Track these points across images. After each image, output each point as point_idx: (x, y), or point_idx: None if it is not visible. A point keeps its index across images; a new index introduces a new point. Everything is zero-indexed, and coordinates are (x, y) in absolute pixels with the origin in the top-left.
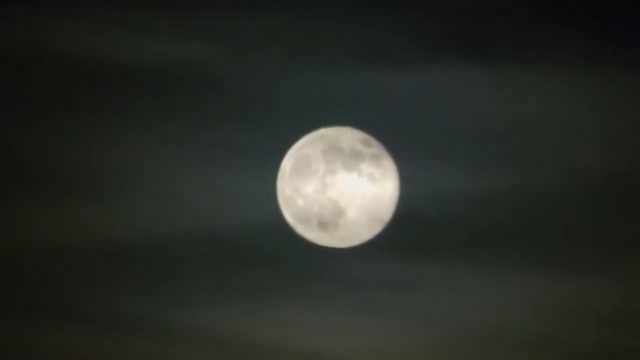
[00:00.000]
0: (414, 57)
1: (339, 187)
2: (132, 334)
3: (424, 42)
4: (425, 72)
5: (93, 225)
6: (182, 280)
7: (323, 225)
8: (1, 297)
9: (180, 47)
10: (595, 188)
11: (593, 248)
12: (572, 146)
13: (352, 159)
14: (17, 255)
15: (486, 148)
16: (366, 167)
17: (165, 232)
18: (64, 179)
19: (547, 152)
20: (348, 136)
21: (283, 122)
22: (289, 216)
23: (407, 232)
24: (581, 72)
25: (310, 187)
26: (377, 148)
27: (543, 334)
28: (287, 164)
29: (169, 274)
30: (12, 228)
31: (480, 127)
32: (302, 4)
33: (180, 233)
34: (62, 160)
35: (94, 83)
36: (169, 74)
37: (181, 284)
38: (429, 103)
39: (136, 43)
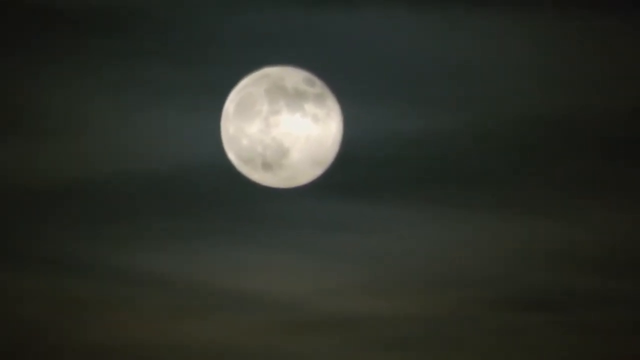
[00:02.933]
0: None
1: (282, 127)
2: (72, 275)
3: None
4: (370, 12)
5: (34, 166)
6: (123, 221)
7: (267, 165)
8: None
9: None
10: (539, 127)
11: (536, 187)
12: (515, 86)
13: (296, 99)
14: None
15: (429, 88)
16: (310, 107)
17: (106, 173)
18: (6, 118)
19: (490, 93)
20: (291, 75)
21: (226, 61)
22: (232, 156)
23: (349, 173)
24: (525, 13)
25: (253, 127)
26: (320, 87)
27: (483, 273)
28: (231, 103)
29: (110, 215)
30: None
31: (423, 67)
32: None
33: (122, 174)
34: (4, 101)
35: (37, 24)
36: (110, 14)
37: (122, 225)
38: (373, 43)
39: None
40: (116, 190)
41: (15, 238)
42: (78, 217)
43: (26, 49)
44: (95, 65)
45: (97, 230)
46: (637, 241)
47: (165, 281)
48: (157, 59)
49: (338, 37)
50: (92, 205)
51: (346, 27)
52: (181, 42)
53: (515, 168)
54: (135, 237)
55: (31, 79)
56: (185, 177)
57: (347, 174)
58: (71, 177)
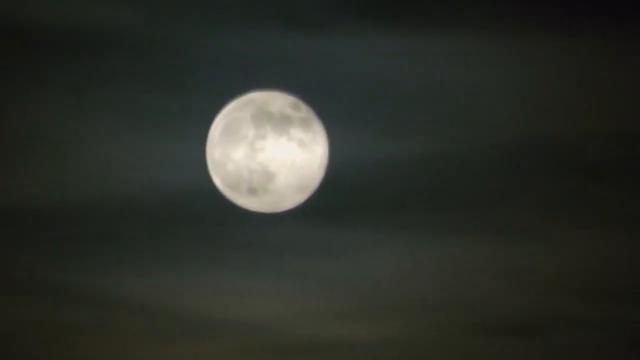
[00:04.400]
0: (337, 20)
1: (268, 152)
2: (51, 299)
3: (348, 6)
4: (356, 36)
5: (14, 189)
6: (105, 246)
7: (252, 190)
8: None
9: (103, 11)
10: (521, 151)
11: (511, 210)
12: (496, 110)
13: (282, 123)
14: None
15: (414, 112)
16: (296, 132)
17: (89, 197)
18: None
19: (473, 117)
20: (277, 100)
21: (210, 86)
22: (218, 181)
23: (333, 197)
24: (505, 36)
25: (239, 152)
26: (306, 112)
27: (465, 297)
28: (216, 128)
29: (93, 240)
30: None
31: (409, 92)
32: None
33: (105, 198)
34: None
35: (15, 46)
36: (95, 38)
37: (104, 250)
38: (359, 67)
39: (62, 6)
40: (99, 214)
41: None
42: (60, 240)
43: (5, 71)
44: (79, 88)
45: (79, 255)
46: (619, 265)
47: (147, 307)
48: (142, 84)
49: (324, 62)
50: (74, 229)
51: (332, 52)
52: (166, 66)
53: (498, 192)
54: (117, 262)
55: (12, 102)
56: (170, 202)
57: (330, 198)
58: (53, 200)
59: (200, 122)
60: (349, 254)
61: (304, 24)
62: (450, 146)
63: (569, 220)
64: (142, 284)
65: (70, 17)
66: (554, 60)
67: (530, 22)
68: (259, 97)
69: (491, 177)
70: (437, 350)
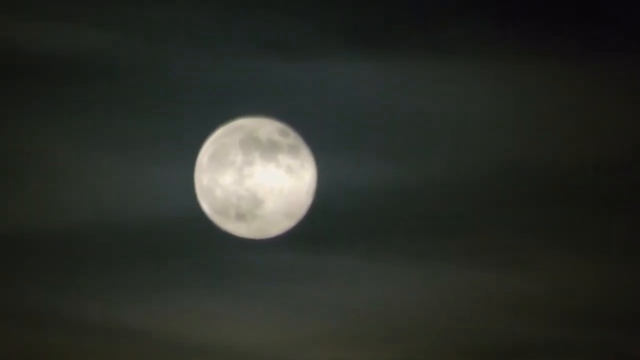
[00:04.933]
0: (323, 47)
1: (256, 178)
2: (41, 326)
3: (332, 32)
4: (343, 62)
5: (3, 215)
6: (92, 272)
7: (240, 216)
8: None
9: (89, 37)
10: (500, 176)
11: (498, 238)
12: (478, 136)
13: (270, 150)
14: None
15: (396, 138)
16: (284, 158)
17: (77, 223)
18: None
19: (464, 143)
20: (265, 126)
21: (198, 112)
22: (206, 207)
23: (320, 223)
24: (485, 62)
25: (227, 178)
26: (294, 138)
27: (449, 323)
28: (204, 154)
29: (80, 266)
30: None
31: (394, 118)
32: None
33: (93, 224)
34: None
35: (3, 72)
36: (78, 64)
37: (92, 276)
38: (347, 94)
39: (46, 32)
40: (87, 240)
41: None
42: (49, 267)
43: None
44: (68, 114)
45: (67, 281)
46: (604, 290)
47: (134, 332)
48: (130, 110)
49: (311, 88)
50: (63, 256)
51: (319, 78)
52: (153, 93)
53: (484, 217)
54: (105, 288)
55: (2, 127)
56: (158, 228)
57: (318, 224)
58: (41, 227)
59: (188, 148)
60: (337, 280)
61: (290, 50)
62: (437, 171)
63: (556, 245)
64: (129, 310)
65: (56, 43)
66: (541, 86)
67: (519, 48)
68: (247, 124)
69: (478, 202)
70: None
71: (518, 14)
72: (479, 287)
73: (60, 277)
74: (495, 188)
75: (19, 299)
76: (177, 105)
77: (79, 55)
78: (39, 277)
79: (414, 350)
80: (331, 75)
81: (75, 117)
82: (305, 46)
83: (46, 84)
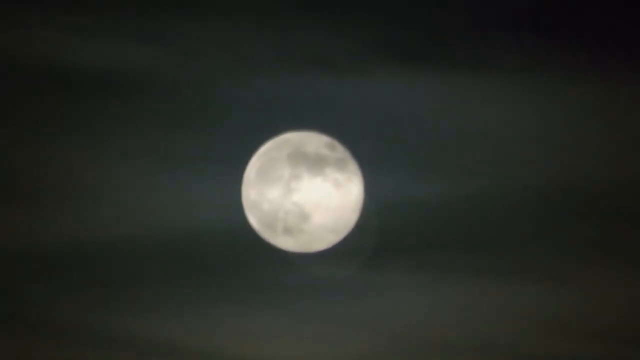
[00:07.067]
0: (370, 63)
1: (303, 192)
2: (82, 341)
3: (376, 48)
4: (390, 77)
5: (46, 232)
6: (141, 288)
7: (287, 230)
8: None
9: (133, 52)
10: (543, 193)
11: (538, 254)
12: (522, 153)
13: (317, 164)
14: None
15: (442, 155)
16: (331, 171)
17: (125, 238)
18: (16, 184)
19: (494, 161)
20: (312, 140)
21: (245, 128)
22: (254, 221)
23: (366, 239)
24: (529, 79)
25: (275, 192)
26: (342, 152)
27: (490, 340)
28: (252, 168)
29: (129, 280)
30: None
31: (439, 134)
32: (252, 9)
33: (142, 239)
34: (17, 170)
35: (45, 88)
36: (127, 79)
37: (138, 291)
38: (394, 109)
39: (87, 49)
40: (134, 255)
41: (24, 303)
42: (94, 282)
43: (37, 113)
44: (113, 131)
45: (113, 296)
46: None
47: (180, 347)
48: (179, 126)
49: (358, 103)
50: (109, 270)
51: (367, 93)
52: (202, 109)
53: (527, 235)
54: (151, 303)
55: (42, 147)
56: (206, 242)
57: (363, 239)
58: (87, 241)
59: (236, 162)
60: (380, 295)
61: (335, 66)
62: (481, 188)
63: (594, 262)
64: (176, 324)
65: (102, 59)
66: (582, 105)
67: (564, 65)
68: (295, 138)
69: (520, 219)
70: None
71: (563, 32)
72: (519, 303)
73: (105, 292)
74: (534, 205)
75: (63, 315)
76: (225, 121)
77: (127, 70)
78: (83, 292)
79: None
80: (376, 90)
81: (123, 134)
82: (350, 62)
83: (92, 101)
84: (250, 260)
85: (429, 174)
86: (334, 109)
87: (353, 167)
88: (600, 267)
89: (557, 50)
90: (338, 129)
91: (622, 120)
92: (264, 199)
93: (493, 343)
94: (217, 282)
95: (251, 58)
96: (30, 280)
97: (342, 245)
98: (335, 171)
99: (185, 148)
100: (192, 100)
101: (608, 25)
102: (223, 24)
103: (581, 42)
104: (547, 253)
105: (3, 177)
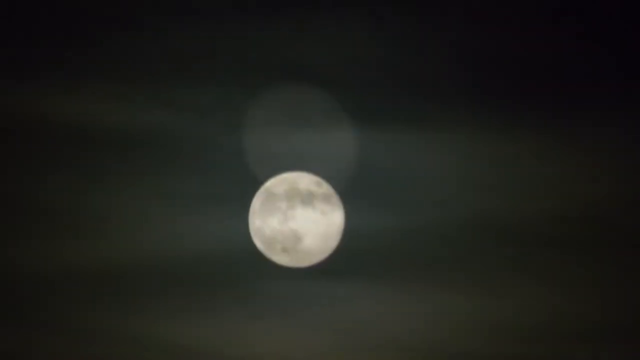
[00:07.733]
0: (337, 122)
1: (297, 219)
2: (112, 347)
3: (343, 110)
4: (347, 134)
5: (86, 257)
6: (164, 297)
7: (285, 249)
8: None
9: (151, 114)
10: (479, 224)
11: (481, 270)
12: (449, 192)
13: (308, 197)
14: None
15: (393, 192)
16: (318, 203)
17: (155, 261)
18: (64, 221)
19: (443, 198)
20: (304, 179)
21: (250, 171)
22: (258, 243)
23: (347, 258)
24: (456, 133)
25: (275, 219)
26: (327, 188)
27: (457, 347)
28: (257, 201)
29: (154, 293)
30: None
31: (390, 176)
32: (244, 75)
33: (169, 260)
34: (62, 208)
35: (81, 145)
36: (147, 138)
37: (164, 300)
38: (371, 157)
39: (120, 112)
40: (159, 272)
41: (74, 314)
42: (125, 296)
43: (79, 165)
44: (139, 175)
45: (145, 305)
46: (555, 313)
47: (188, 352)
48: (195, 172)
49: (337, 151)
50: (138, 286)
51: (338, 144)
52: (211, 157)
53: (465, 257)
54: (171, 311)
55: (91, 189)
56: (221, 259)
57: (345, 259)
58: (119, 263)
59: (245, 197)
60: (351, 302)
61: (311, 123)
62: (421, 220)
63: (521, 276)
64: (182, 332)
65: (124, 120)
66: (507, 152)
67: (486, 120)
68: (290, 177)
69: (456, 244)
70: None
71: (483, 91)
72: (461, 310)
73: (135, 302)
74: (464, 235)
75: (105, 324)
76: (231, 169)
77: (149, 131)
78: (117, 305)
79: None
80: (349, 141)
81: (148, 181)
82: (326, 119)
83: (117, 154)
84: (255, 274)
85: (396, 208)
86: (318, 155)
87: (336, 200)
88: (525, 280)
89: (481, 107)
90: (323, 170)
91: (537, 166)
92: (266, 225)
93: (438, 341)
94: (226, 292)
95: (249, 117)
96: (78, 294)
97: (327, 261)
98: (322, 203)
99: (205, 190)
100: (205, 151)
101: (521, 85)
102: (227, 88)
103: (491, 104)
104: (480, 270)
105: (57, 214)
